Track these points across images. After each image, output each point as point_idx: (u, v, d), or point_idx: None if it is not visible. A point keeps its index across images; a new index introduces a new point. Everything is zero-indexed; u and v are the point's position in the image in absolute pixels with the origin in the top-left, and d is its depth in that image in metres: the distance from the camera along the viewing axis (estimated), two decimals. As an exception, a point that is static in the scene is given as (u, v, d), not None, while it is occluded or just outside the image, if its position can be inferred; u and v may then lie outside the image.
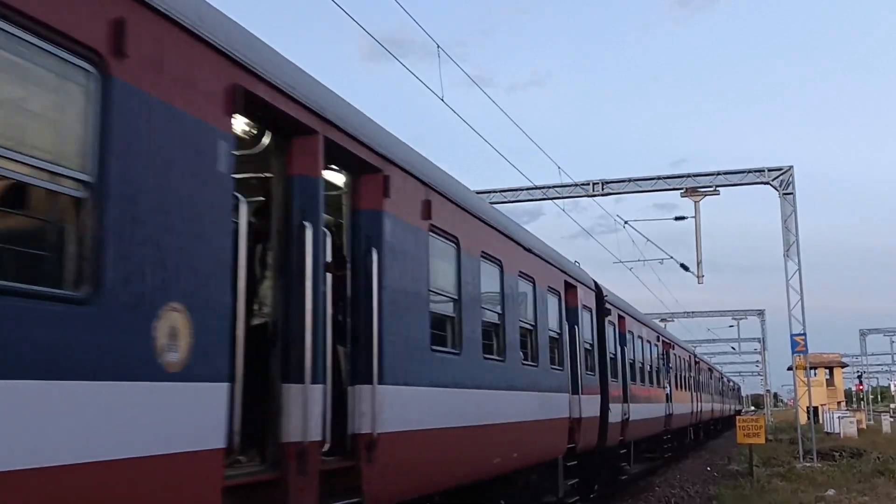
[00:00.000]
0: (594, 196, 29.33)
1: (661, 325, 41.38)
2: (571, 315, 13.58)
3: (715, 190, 28.01)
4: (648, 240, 31.30)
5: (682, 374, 31.74)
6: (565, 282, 13.52)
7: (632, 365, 19.92)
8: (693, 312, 65.05)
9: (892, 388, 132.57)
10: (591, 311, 15.32)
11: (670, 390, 26.41)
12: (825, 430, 44.85)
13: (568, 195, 29.51)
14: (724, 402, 59.03)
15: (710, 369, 48.60)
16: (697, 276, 28.77)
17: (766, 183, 27.73)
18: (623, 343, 18.74)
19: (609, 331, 17.13)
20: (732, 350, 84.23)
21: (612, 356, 17.22)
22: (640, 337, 21.44)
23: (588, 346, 14.93)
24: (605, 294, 17.14)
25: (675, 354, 29.29)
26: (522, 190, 29.68)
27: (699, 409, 36.95)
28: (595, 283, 16.56)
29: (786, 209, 27.44)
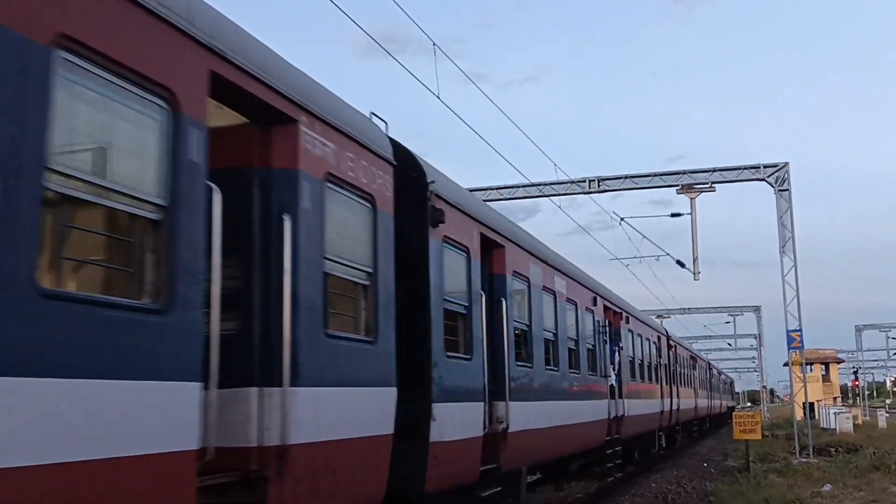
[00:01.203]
0: (590, 193, 27.68)
1: (656, 321, 31.66)
2: (273, 192, 5.50)
3: (711, 186, 26.52)
4: (645, 237, 30.60)
5: (646, 361, 22.18)
6: (214, 79, 4.77)
7: (522, 336, 10.97)
8: (689, 309, 60.33)
9: (888, 383, 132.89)
10: (371, 204, 6.70)
11: (619, 381, 17.46)
12: (821, 425, 42.31)
13: (564, 192, 28.03)
14: (713, 397, 47.85)
15: (694, 358, 38.06)
16: (694, 273, 27.09)
17: (762, 179, 26.34)
18: (498, 292, 9.85)
19: (447, 259, 8.28)
20: (729, 346, 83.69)
21: (456, 311, 8.55)
22: (546, 289, 12.23)
23: (358, 279, 6.53)
24: (428, 180, 7.97)
25: (630, 331, 20.17)
26: (519, 187, 28.06)
27: (674, 408, 27.15)
28: (398, 149, 7.62)
29: (781, 205, 26.03)
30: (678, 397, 28.80)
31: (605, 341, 16.67)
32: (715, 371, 54.62)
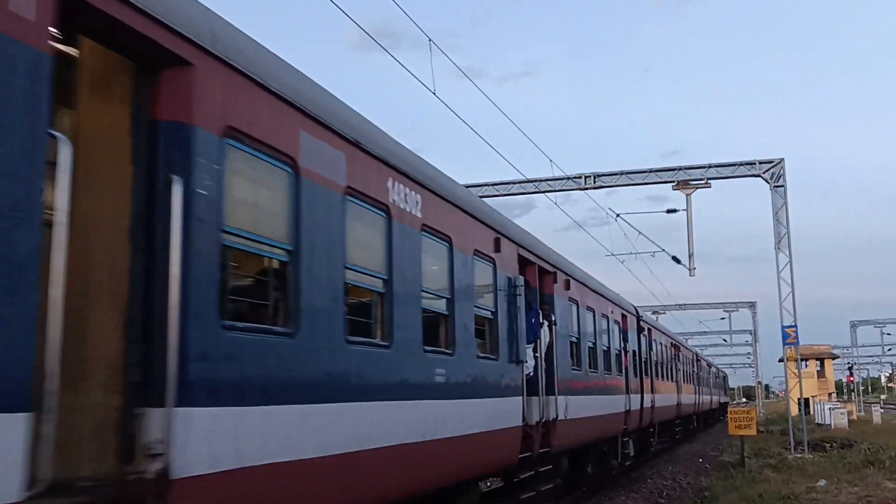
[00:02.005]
0: (586, 189, 27.08)
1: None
2: None
3: (706, 183, 25.87)
4: (640, 232, 30.12)
5: (601, 345, 16.60)
6: None
7: (259, 269, 5.65)
8: (685, 305, 58.90)
9: (883, 379, 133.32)
10: None
11: (550, 371, 12.01)
12: (816, 421, 42.14)
13: (560, 188, 27.34)
14: (701, 392, 41.13)
15: (677, 346, 31.28)
16: (689, 269, 26.34)
17: (758, 175, 25.70)
18: (171, 163, 4.47)
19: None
20: (724, 342, 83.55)
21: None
22: (356, 193, 6.62)
23: None
24: None
25: (574, 302, 14.38)
26: (515, 183, 27.45)
27: (647, 405, 21.33)
28: None
29: (777, 202, 25.55)
30: (653, 392, 22.87)
31: (519, 309, 10.62)
32: (704, 363, 47.11)
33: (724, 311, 63.76)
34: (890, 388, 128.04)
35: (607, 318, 17.52)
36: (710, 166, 26.23)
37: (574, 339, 14.34)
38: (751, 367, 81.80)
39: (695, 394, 38.00)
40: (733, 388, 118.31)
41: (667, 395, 26.72)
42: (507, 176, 27.73)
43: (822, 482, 16.74)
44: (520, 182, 27.14)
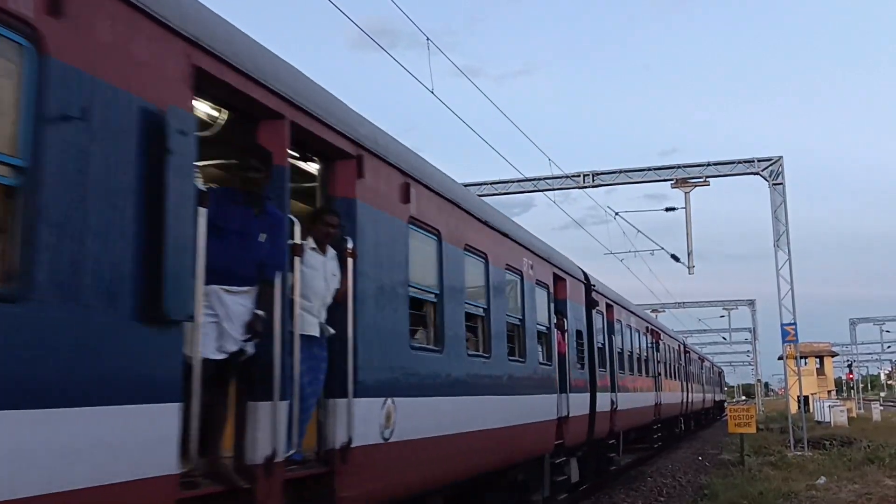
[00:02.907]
0: (585, 187, 27.09)
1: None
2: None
3: (705, 180, 25.92)
4: (639, 231, 29.77)
5: (504, 316, 9.85)
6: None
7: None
8: (684, 303, 59.24)
9: (882, 376, 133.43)
10: None
11: (358, 349, 6.17)
12: (815, 418, 42.00)
13: (559, 187, 27.37)
14: (691, 390, 35.29)
15: (656, 332, 25.36)
16: (688, 267, 26.36)
17: (756, 173, 25.78)
18: None
19: None
20: (724, 340, 77.89)
21: None
22: None
23: None
24: None
25: (442, 234, 8.04)
26: (513, 182, 27.42)
27: (604, 409, 15.78)
28: None
29: (775, 199, 25.56)
30: (615, 391, 17.29)
31: (182, 197, 4.27)
32: (695, 356, 40.43)
33: (724, 308, 63.84)
34: (889, 386, 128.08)
35: (520, 274, 10.86)
36: (708, 164, 26.29)
37: (429, 297, 7.84)
38: (750, 364, 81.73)
39: (682, 391, 31.76)
40: (732, 386, 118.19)
41: (639, 394, 20.98)
42: (505, 175, 27.70)
43: (821, 480, 16.79)
44: (518, 181, 27.18)
